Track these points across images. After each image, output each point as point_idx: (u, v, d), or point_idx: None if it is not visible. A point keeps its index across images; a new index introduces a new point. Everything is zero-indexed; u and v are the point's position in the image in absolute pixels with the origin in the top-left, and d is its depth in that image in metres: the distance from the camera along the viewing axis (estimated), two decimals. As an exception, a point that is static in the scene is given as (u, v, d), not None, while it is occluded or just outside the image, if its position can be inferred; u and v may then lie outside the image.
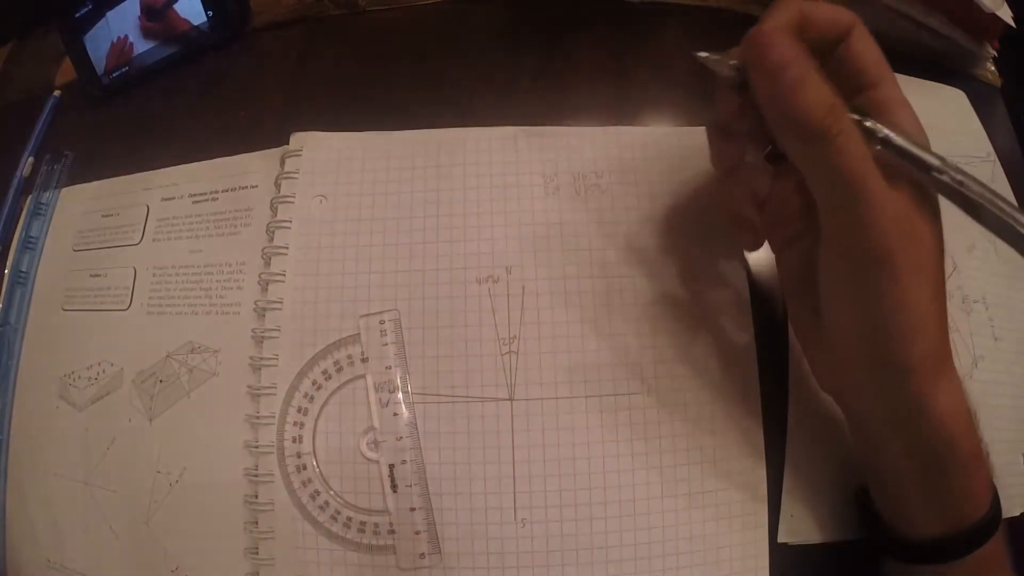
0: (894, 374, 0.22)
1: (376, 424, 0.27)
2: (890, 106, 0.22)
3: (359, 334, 0.28)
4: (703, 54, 0.23)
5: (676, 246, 0.29)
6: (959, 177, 0.20)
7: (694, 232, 0.30)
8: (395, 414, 0.27)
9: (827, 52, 0.23)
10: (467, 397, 0.27)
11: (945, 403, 0.22)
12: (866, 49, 0.23)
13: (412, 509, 0.26)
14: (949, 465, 0.22)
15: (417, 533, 0.26)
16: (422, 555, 0.26)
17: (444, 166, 0.31)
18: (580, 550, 0.26)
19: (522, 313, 0.28)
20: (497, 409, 0.27)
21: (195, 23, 0.37)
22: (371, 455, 0.27)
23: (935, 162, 0.20)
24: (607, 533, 0.26)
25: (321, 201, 0.31)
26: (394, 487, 0.27)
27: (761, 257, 0.29)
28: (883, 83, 0.23)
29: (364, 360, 0.28)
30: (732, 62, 0.22)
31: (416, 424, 0.27)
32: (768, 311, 0.29)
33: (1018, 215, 0.20)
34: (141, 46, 0.38)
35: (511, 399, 0.27)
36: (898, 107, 0.22)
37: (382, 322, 0.28)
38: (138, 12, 0.38)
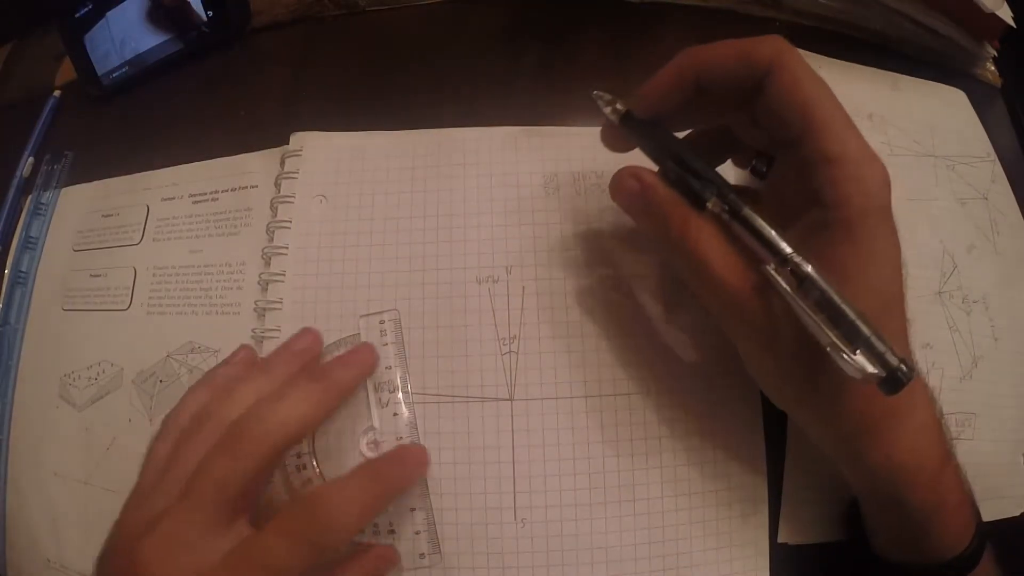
0: (837, 440, 0.23)
1: (376, 424, 0.27)
2: (813, 168, 0.20)
3: (359, 334, 0.28)
4: (596, 92, 0.25)
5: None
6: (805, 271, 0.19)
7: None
8: (395, 414, 0.27)
9: (753, 93, 0.21)
10: (467, 397, 0.27)
11: (898, 457, 0.21)
12: (785, 95, 0.20)
13: (412, 509, 0.26)
14: (908, 512, 0.22)
15: (417, 533, 0.26)
16: (422, 555, 0.26)
17: (444, 166, 0.31)
18: (580, 550, 0.26)
19: (522, 313, 0.28)
20: (497, 409, 0.27)
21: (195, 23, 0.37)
22: (371, 455, 0.27)
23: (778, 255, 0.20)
24: (607, 533, 0.26)
25: (321, 201, 0.31)
26: None
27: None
28: (807, 137, 0.20)
29: None
30: (618, 106, 0.24)
31: (416, 424, 0.27)
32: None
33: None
34: (142, 45, 0.38)
35: (511, 399, 0.27)
36: (823, 167, 0.20)
37: (382, 322, 0.28)
38: (138, 12, 0.38)
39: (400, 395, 0.27)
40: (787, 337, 0.20)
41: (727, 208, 0.21)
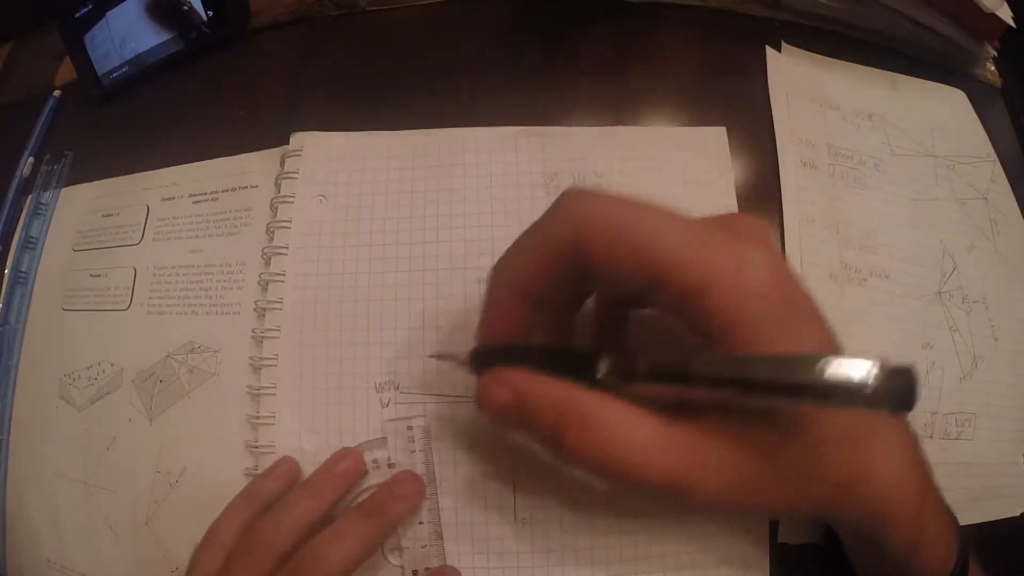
0: (813, 509, 0.21)
1: (399, 531, 0.26)
2: (684, 307, 0.18)
3: (385, 438, 0.27)
4: (432, 355, 0.27)
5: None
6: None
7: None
8: (420, 522, 0.26)
9: (587, 274, 0.19)
10: (467, 397, 0.27)
11: (875, 506, 0.20)
12: (610, 263, 0.18)
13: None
14: (888, 549, 0.21)
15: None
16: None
17: (444, 166, 0.31)
18: (580, 550, 0.26)
19: (522, 313, 0.28)
20: (497, 409, 0.27)
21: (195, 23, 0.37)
22: (395, 563, 0.26)
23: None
24: (607, 533, 0.26)
25: (321, 201, 0.31)
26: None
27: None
28: (659, 286, 0.18)
29: (391, 466, 0.27)
30: (462, 358, 0.23)
31: (441, 533, 0.26)
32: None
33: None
34: (142, 45, 0.38)
35: (511, 399, 0.27)
36: (691, 302, 0.18)
37: (410, 428, 0.27)
38: (138, 12, 0.38)
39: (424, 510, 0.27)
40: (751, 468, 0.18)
41: (621, 373, 0.18)
